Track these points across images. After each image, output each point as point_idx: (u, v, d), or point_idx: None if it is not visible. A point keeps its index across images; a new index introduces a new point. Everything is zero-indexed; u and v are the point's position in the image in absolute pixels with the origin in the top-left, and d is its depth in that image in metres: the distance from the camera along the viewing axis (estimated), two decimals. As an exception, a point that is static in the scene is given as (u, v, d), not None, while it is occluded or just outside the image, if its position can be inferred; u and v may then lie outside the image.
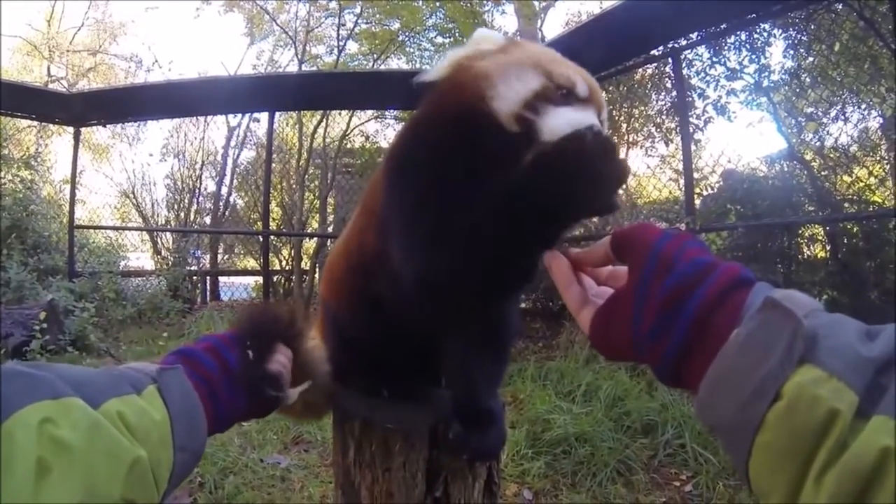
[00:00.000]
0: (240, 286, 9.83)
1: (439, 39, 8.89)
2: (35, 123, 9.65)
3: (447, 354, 1.06)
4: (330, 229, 8.51)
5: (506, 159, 0.81)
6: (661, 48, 5.53)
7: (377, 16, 8.71)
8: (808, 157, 5.67)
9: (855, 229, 4.65)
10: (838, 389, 0.44)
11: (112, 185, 10.23)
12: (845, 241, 4.71)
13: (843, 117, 5.93)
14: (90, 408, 0.61)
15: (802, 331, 0.47)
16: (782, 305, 0.50)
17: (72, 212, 7.93)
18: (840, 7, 5.04)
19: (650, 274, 0.59)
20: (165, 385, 0.72)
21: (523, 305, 6.73)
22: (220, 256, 10.51)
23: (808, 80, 6.09)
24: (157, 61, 13.86)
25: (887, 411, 0.42)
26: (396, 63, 9.44)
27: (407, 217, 0.93)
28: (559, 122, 0.79)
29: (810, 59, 5.98)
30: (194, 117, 9.58)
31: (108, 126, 9.04)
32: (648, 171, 7.32)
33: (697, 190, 5.70)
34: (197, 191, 10.18)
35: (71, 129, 8.19)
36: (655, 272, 0.59)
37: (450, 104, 0.90)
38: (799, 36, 5.82)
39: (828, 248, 4.92)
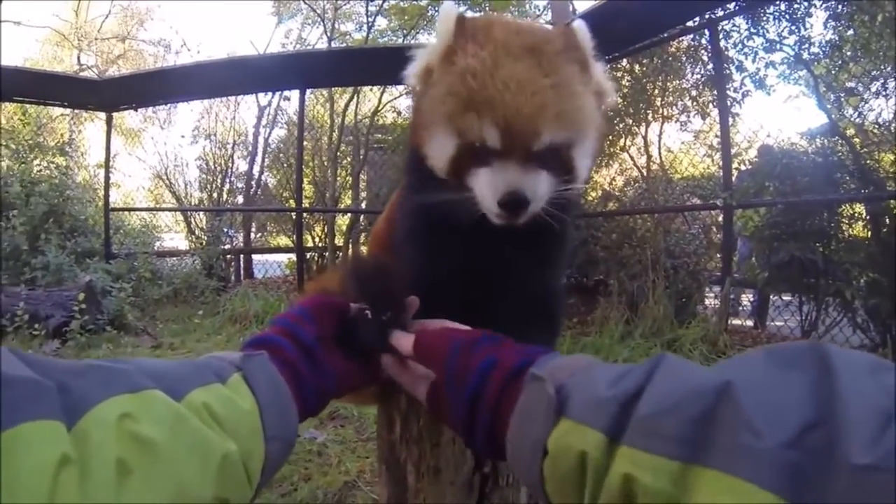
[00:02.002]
0: (273, 263, 9.88)
1: (469, 14, 8.80)
2: (68, 111, 9.83)
3: (496, 327, 1.05)
4: (363, 205, 8.54)
5: (462, 203, 0.82)
6: (697, 19, 5.38)
7: (405, -11, 8.63)
8: (849, 133, 5.50)
9: (897, 208, 4.51)
10: (584, 433, 0.52)
11: (145, 167, 10.45)
12: (887, 220, 4.57)
13: (885, 92, 5.73)
14: (172, 400, 0.56)
15: (550, 394, 0.57)
16: (539, 376, 0.61)
17: (107, 195, 8.10)
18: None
19: (451, 385, 0.72)
20: (251, 372, 0.68)
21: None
22: (253, 235, 10.61)
23: (849, 52, 5.88)
24: (185, 44, 14.04)
25: (629, 440, 0.48)
26: (426, 38, 9.30)
27: (400, 238, 1.02)
28: (479, 191, 0.81)
29: (852, 31, 5.77)
30: (224, 98, 9.64)
31: (139, 110, 9.18)
32: (683, 146, 7.19)
33: (734, 165, 5.58)
34: (229, 170, 10.27)
35: (103, 115, 8.33)
36: (455, 384, 0.72)
37: (412, 145, 0.92)
38: (840, 6, 5.61)
39: (869, 227, 4.79)
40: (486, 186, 0.80)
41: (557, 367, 0.63)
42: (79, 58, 14.97)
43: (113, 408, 0.50)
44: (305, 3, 9.47)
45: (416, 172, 0.92)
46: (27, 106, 9.11)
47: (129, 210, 9.68)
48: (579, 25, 0.89)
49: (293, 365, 0.76)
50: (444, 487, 1.02)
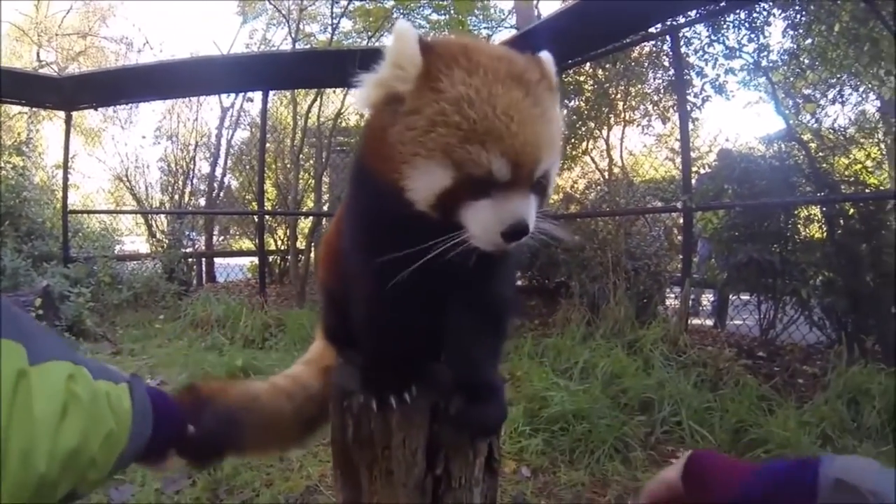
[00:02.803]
0: (235, 267, 9.80)
1: (434, 16, 8.77)
2: (26, 109, 9.55)
3: (447, 330, 1.04)
4: (325, 208, 8.45)
5: (430, 230, 0.81)
6: (659, 25, 5.48)
7: (370, -9, 8.59)
8: (805, 138, 5.65)
9: (851, 211, 4.63)
10: None
11: (105, 169, 10.16)
12: (842, 222, 4.70)
13: (840, 99, 5.91)
14: (94, 381, 0.78)
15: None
16: (851, 486, 0.64)
17: (65, 197, 7.90)
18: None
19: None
20: (134, 387, 0.88)
21: (520, 283, 6.74)
22: (215, 238, 10.49)
23: (806, 60, 6.05)
24: (147, 42, 13.78)
25: None
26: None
27: (347, 248, 1.05)
28: (476, 223, 0.80)
29: (809, 39, 5.94)
30: (187, 98, 9.50)
31: (99, 109, 8.97)
32: (645, 149, 7.30)
33: (694, 169, 5.69)
34: (191, 172, 10.14)
35: (62, 114, 8.11)
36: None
37: (373, 172, 0.89)
38: (798, 16, 5.76)
39: (824, 229, 4.91)
40: (489, 218, 0.80)
41: (856, 474, 0.66)
42: (38, 54, 14.58)
43: (65, 368, 0.72)
44: (270, 4, 9.36)
45: (374, 204, 0.91)
46: (-18, 104, 8.85)
47: (89, 212, 9.45)
48: (546, 56, 0.92)
49: (157, 408, 0.93)
50: (397, 489, 1.03)
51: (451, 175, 0.79)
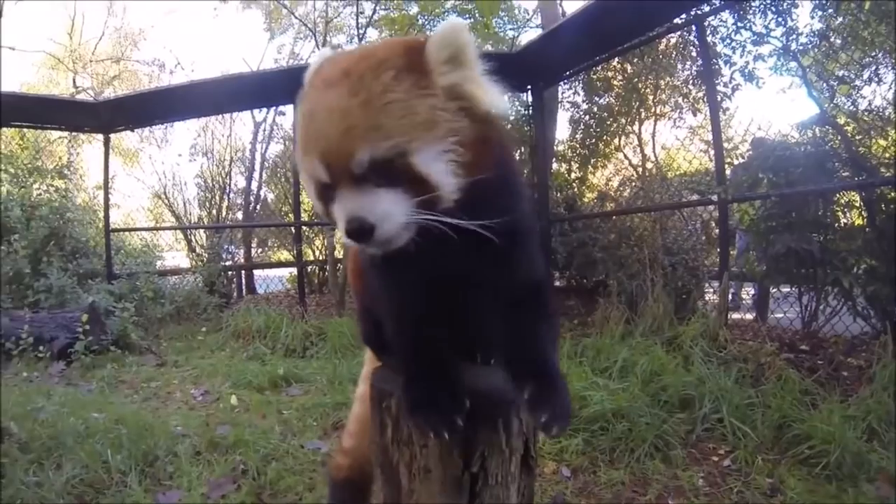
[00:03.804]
0: (274, 278, 9.94)
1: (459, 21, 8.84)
2: (65, 134, 9.87)
3: (495, 324, 1.03)
4: (361, 216, 8.50)
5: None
6: (683, 16, 5.41)
7: (395, 1, 8.68)
8: (841, 122, 5.49)
9: (892, 195, 4.49)
10: None
11: (144, 187, 10.49)
12: (883, 206, 4.55)
13: (876, 78, 5.71)
14: None
15: None
16: None
17: (107, 216, 8.15)
18: (869, -37, 4.86)
19: None
20: None
21: (557, 283, 6.72)
22: (253, 250, 10.68)
23: (837, 41, 5.88)
24: (179, 63, 14.06)
25: None
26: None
27: (367, 266, 1.08)
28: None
29: (839, 19, 5.78)
30: (220, 115, 9.71)
31: (136, 130, 9.22)
32: (677, 142, 7.20)
33: (728, 160, 5.60)
34: (227, 187, 10.37)
35: (100, 137, 8.39)
36: None
37: None
38: (826, -5, 5.62)
39: (864, 214, 4.77)
40: (337, 222, 0.81)
41: None
42: (74, 80, 15.09)
43: None
44: (297, 18, 9.52)
45: None
46: (25, 130, 9.18)
47: (130, 230, 9.73)
48: (439, 36, 0.84)
49: None
50: (435, 487, 1.05)
51: (311, 186, 0.84)
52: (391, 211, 0.78)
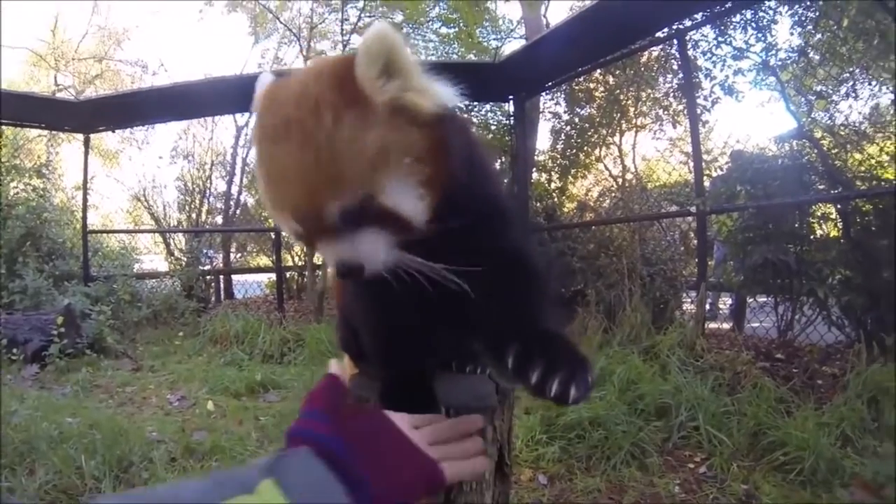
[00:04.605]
0: (253, 283, 9.89)
1: (444, 30, 8.86)
2: (45, 132, 9.74)
3: (477, 317, 0.92)
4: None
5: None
6: (665, 30, 5.48)
7: (380, 9, 8.69)
8: (818, 136, 5.60)
9: (867, 207, 4.58)
10: None
11: (123, 189, 10.39)
12: (857, 219, 4.64)
13: (853, 94, 5.83)
14: None
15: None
16: None
17: (84, 217, 8.03)
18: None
19: None
20: (285, 475, 0.62)
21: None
22: (232, 255, 10.58)
23: (816, 57, 6.01)
24: (162, 65, 14.00)
25: None
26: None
27: None
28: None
29: (818, 35, 5.90)
30: (202, 118, 9.66)
31: (116, 131, 9.15)
32: (657, 154, 7.28)
33: (707, 172, 5.67)
34: (207, 191, 10.29)
35: (80, 137, 8.28)
36: None
37: None
38: (805, 12, 5.73)
39: (840, 226, 4.86)
40: (326, 263, 0.82)
41: None
42: (56, 78, 14.87)
43: None
44: (281, 23, 9.50)
45: None
46: (3, 127, 9.04)
47: (108, 232, 9.62)
48: (364, 49, 0.76)
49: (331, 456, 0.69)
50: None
51: (290, 234, 0.83)
52: (374, 248, 0.77)
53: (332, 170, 0.73)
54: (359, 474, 0.67)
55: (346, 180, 0.73)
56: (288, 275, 8.82)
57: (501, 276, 0.88)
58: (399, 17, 8.62)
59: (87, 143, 8.12)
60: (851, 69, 5.75)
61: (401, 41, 0.75)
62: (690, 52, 5.80)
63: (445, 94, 0.81)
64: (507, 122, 7.11)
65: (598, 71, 6.77)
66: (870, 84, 5.78)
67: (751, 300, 5.54)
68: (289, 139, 0.74)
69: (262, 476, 0.61)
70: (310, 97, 0.75)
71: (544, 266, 0.98)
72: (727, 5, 5.21)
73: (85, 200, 8.06)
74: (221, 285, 10.01)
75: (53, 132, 9.45)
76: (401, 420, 0.78)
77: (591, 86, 7.34)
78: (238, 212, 10.61)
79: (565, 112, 7.80)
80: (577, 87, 7.38)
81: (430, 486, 0.76)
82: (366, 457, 0.69)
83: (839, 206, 4.74)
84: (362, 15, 8.53)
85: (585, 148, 7.48)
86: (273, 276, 8.63)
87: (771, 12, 5.72)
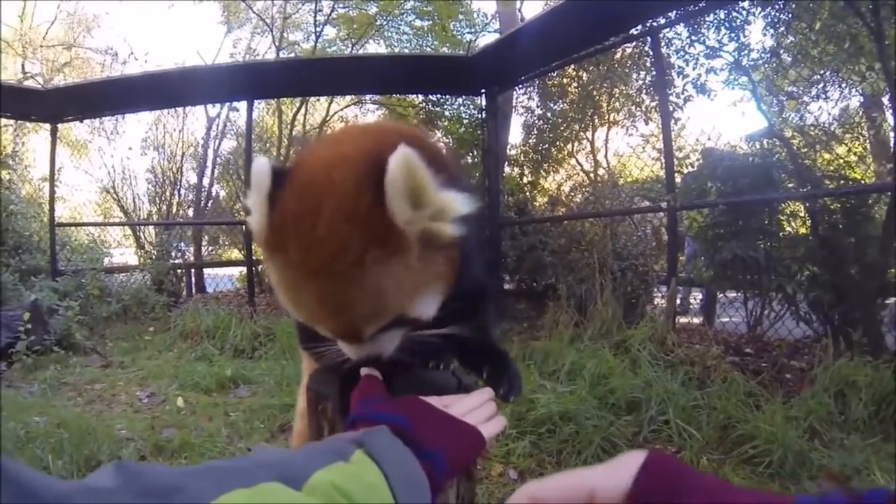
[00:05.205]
0: (224, 277, 9.79)
1: (418, 23, 8.82)
2: (11, 122, 9.50)
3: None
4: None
5: None
6: (639, 27, 5.52)
7: (354, 0, 8.63)
8: (788, 135, 5.70)
9: (835, 206, 4.67)
10: None
11: (92, 180, 10.16)
12: (825, 217, 4.73)
13: (823, 95, 5.96)
14: (292, 490, 0.56)
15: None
16: None
17: (52, 210, 7.85)
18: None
19: None
20: (373, 446, 0.67)
21: (507, 286, 6.76)
22: (204, 248, 10.45)
23: (788, 58, 6.11)
24: (132, 53, 13.72)
25: None
26: (375, 47, 9.39)
27: None
28: None
29: (790, 37, 6.00)
30: (173, 109, 9.50)
31: (85, 121, 8.93)
32: (630, 150, 7.34)
33: (678, 168, 5.73)
34: (178, 183, 10.12)
35: (48, 126, 8.06)
36: None
37: None
38: (778, 14, 5.82)
39: (808, 224, 4.95)
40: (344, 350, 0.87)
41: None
42: (23, 66, 14.50)
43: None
44: (254, 13, 9.38)
45: None
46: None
47: (76, 225, 9.43)
48: (394, 180, 0.72)
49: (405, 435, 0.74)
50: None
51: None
52: (393, 344, 0.86)
53: (370, 308, 0.77)
54: (428, 448, 0.73)
55: (381, 310, 0.79)
56: (259, 268, 8.75)
57: (466, 305, 0.96)
58: (374, 9, 8.56)
59: (54, 133, 7.92)
60: (822, 71, 5.85)
61: (421, 164, 0.73)
62: (664, 50, 5.85)
63: (461, 203, 0.81)
64: (480, 115, 7.09)
65: (572, 66, 6.79)
66: (840, 86, 5.90)
67: (721, 295, 5.63)
68: (320, 279, 0.75)
69: (355, 447, 0.66)
70: (341, 238, 0.73)
71: (497, 289, 1.14)
72: (701, 4, 5.26)
73: (52, 192, 7.88)
74: (192, 279, 9.84)
75: (20, 121, 9.21)
76: (434, 402, 0.88)
77: (565, 81, 7.38)
78: (209, 204, 10.47)
79: (538, 107, 7.84)
80: (550, 83, 7.41)
81: (478, 449, 0.87)
82: (430, 432, 0.77)
83: (808, 205, 4.82)
84: (336, 6, 8.46)
85: (558, 143, 7.52)
86: (244, 269, 8.53)
87: (744, 13, 5.79)
